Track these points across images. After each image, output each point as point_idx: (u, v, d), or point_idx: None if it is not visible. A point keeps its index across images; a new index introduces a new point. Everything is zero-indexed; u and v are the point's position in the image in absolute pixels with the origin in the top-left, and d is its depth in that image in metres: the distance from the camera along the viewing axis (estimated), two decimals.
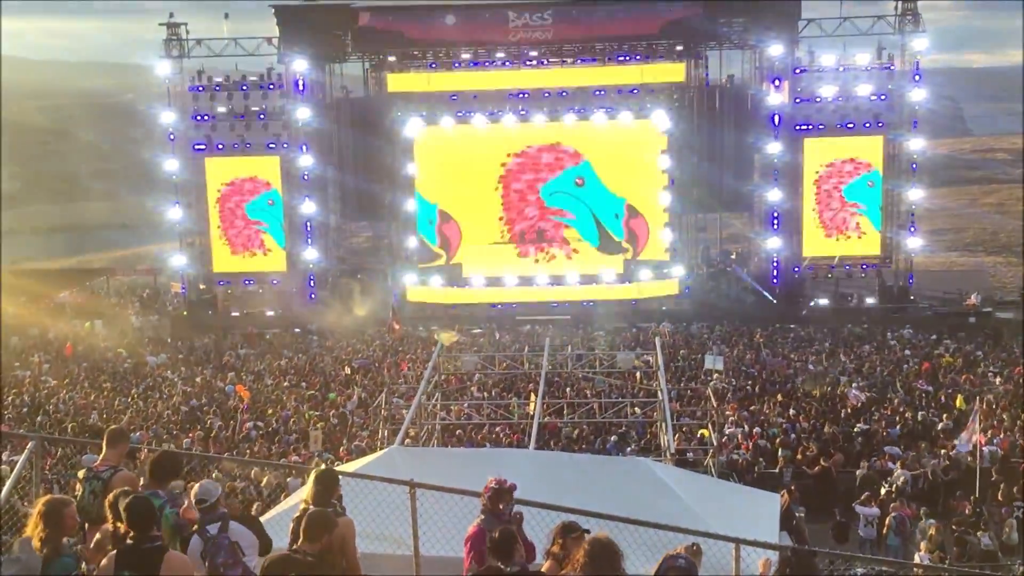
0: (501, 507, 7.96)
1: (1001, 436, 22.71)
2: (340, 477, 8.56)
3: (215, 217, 46.30)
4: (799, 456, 21.72)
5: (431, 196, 46.82)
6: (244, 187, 46.18)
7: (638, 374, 26.03)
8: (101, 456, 8.57)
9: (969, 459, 19.90)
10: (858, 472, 20.53)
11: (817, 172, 44.71)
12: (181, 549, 7.42)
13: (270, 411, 27.65)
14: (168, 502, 7.83)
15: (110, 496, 7.20)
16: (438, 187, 46.85)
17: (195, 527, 7.61)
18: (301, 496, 8.60)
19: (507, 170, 46.25)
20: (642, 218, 46.27)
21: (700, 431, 22.85)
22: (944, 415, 25.11)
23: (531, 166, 46.25)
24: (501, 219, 46.42)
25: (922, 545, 15.83)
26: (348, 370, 33.88)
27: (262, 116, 45.47)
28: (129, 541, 6.73)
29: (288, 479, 18.39)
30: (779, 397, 27.93)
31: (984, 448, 21.39)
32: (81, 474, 8.65)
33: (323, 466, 9.85)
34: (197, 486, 7.84)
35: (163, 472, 8.05)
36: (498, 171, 46.19)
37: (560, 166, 46.23)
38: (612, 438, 22.97)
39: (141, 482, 8.29)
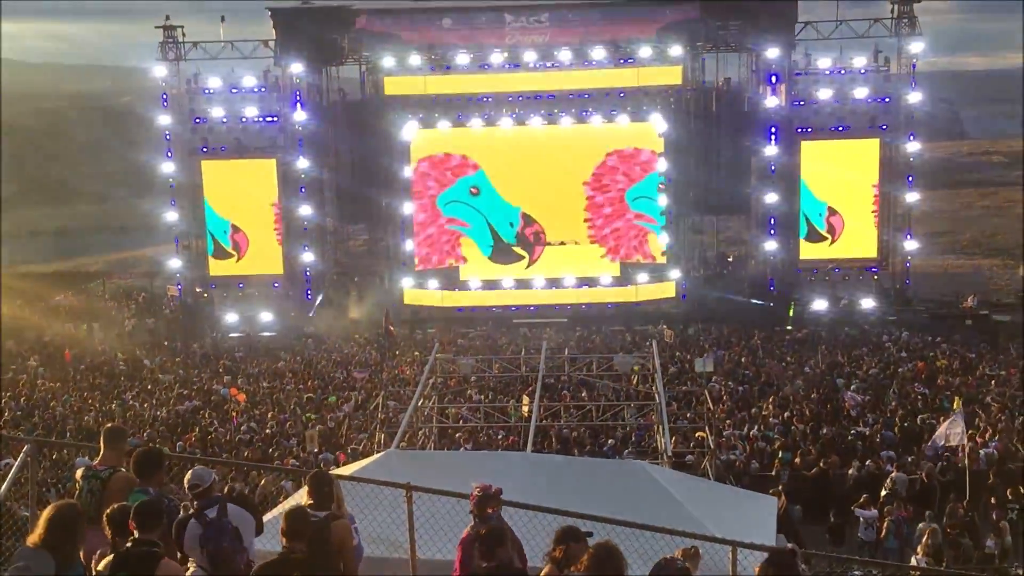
0: (489, 511, 7.94)
1: (997, 439, 22.70)
2: (337, 480, 8.55)
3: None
4: (796, 458, 21.71)
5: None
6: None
7: (635, 377, 26.02)
8: (100, 456, 8.53)
9: (966, 462, 19.87)
10: (850, 473, 20.51)
11: None
12: (176, 535, 7.36)
13: (269, 414, 27.60)
14: (155, 497, 7.80)
15: (108, 510, 7.16)
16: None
17: (190, 511, 7.57)
18: (298, 500, 8.58)
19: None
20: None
21: (697, 434, 22.83)
22: (940, 417, 25.08)
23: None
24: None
25: (920, 548, 15.83)
26: (346, 373, 33.83)
27: (258, 119, 45.45)
28: (128, 543, 6.71)
29: (283, 482, 18.35)
30: (775, 399, 27.91)
31: (981, 451, 21.40)
32: (79, 473, 8.59)
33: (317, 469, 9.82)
34: (189, 472, 7.81)
35: (146, 468, 8.01)
36: None
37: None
38: (610, 441, 22.95)
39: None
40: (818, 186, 44.77)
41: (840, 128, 44.01)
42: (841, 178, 44.57)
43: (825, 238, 45.13)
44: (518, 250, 46.24)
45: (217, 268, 46.72)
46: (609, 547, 6.47)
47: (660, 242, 45.97)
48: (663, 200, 45.48)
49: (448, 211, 46.96)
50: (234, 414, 27.70)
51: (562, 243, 45.87)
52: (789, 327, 41.60)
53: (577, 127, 45.47)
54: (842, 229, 45.00)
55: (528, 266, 45.73)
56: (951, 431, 19.78)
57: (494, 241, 46.50)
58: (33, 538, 6.56)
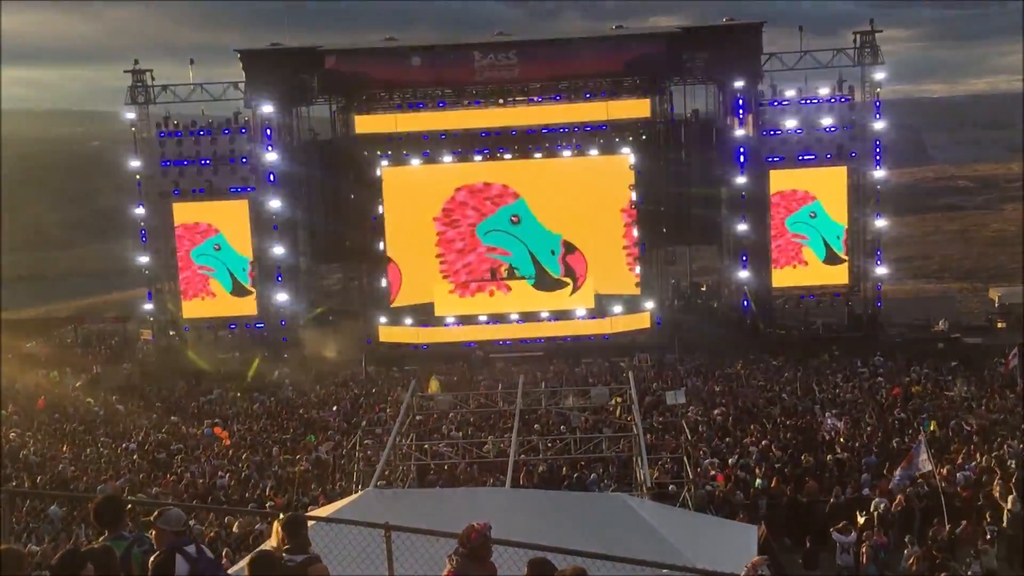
0: (487, 553, 7.86)
1: (974, 462, 22.81)
2: (314, 522, 8.47)
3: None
4: (773, 485, 21.73)
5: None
6: (191, 232, 46.06)
7: (618, 409, 26.02)
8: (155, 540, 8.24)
9: (944, 484, 19.96)
10: (832, 500, 20.54)
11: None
12: (162, 572, 7.24)
13: (244, 455, 27.34)
14: (135, 542, 7.70)
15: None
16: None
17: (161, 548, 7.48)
18: (270, 544, 8.48)
19: (448, 209, 46.54)
20: (579, 253, 46.39)
21: (675, 464, 22.82)
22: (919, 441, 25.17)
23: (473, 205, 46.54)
24: (439, 256, 46.52)
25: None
26: (321, 413, 33.60)
27: (230, 160, 45.46)
28: None
29: (257, 526, 18.17)
30: (753, 427, 27.96)
31: (959, 473, 21.52)
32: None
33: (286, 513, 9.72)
34: (167, 513, 7.73)
35: (108, 517, 7.90)
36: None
37: (498, 204, 46.46)
38: (591, 476, 22.88)
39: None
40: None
41: (807, 156, 44.54)
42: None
43: (844, 260, 45.58)
44: (560, 278, 46.19)
45: (190, 310, 46.49)
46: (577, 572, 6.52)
47: (632, 273, 46.15)
48: (633, 231, 45.69)
49: (489, 240, 46.72)
50: (205, 456, 27.41)
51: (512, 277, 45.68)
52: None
53: (547, 161, 45.72)
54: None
55: (572, 292, 45.65)
56: (918, 459, 19.84)
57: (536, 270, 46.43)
58: None
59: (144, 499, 19.24)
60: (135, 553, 7.61)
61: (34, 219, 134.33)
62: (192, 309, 46.56)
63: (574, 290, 45.91)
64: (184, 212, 45.97)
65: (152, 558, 7.39)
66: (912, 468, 19.95)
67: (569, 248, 46.39)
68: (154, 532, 7.68)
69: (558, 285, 46.03)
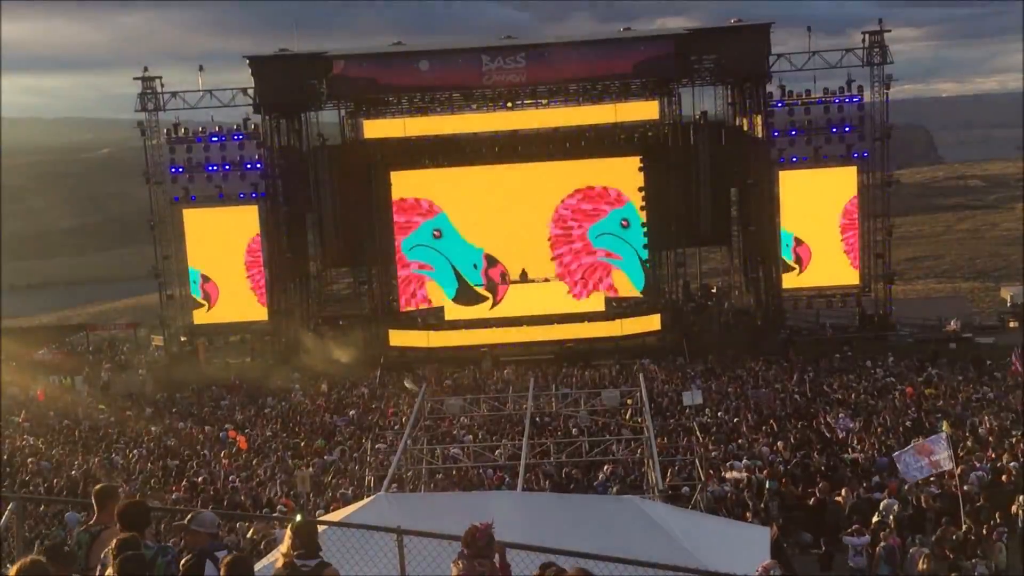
0: (495, 550, 7.88)
1: (987, 462, 22.71)
2: (326, 527, 8.49)
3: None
4: (782, 487, 21.66)
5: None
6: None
7: (628, 412, 25.98)
8: (95, 516, 8.47)
9: (954, 486, 19.86)
10: (839, 499, 20.47)
11: None
12: None
13: (254, 461, 27.40)
14: (159, 552, 7.71)
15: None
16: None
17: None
18: (283, 549, 8.48)
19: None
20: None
21: (687, 466, 22.78)
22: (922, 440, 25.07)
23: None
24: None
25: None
26: (332, 418, 33.65)
27: (239, 166, 45.60)
28: None
29: (275, 531, 18.18)
30: (765, 429, 27.91)
31: (972, 473, 21.42)
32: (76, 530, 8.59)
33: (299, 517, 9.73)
34: (199, 516, 7.78)
35: (134, 522, 7.92)
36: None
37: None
38: (600, 475, 22.86)
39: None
40: (788, 217, 45.11)
41: (817, 157, 44.45)
42: (811, 208, 44.97)
43: (793, 268, 45.44)
44: (481, 291, 46.14)
45: (201, 316, 46.65)
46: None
47: (628, 277, 46.22)
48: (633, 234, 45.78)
49: (413, 255, 47.06)
50: (226, 461, 27.47)
51: (526, 278, 45.65)
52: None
53: (556, 164, 45.82)
54: (809, 259, 45.39)
55: (492, 307, 45.49)
56: (939, 455, 19.68)
57: (458, 283, 46.55)
58: None
59: (159, 505, 19.26)
60: (159, 564, 7.62)
61: (45, 226, 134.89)
62: (203, 315, 46.69)
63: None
64: (194, 218, 46.12)
65: (183, 561, 7.38)
66: (923, 458, 19.76)
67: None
68: (186, 535, 7.70)
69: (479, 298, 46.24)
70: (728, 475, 22.68)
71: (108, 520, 8.40)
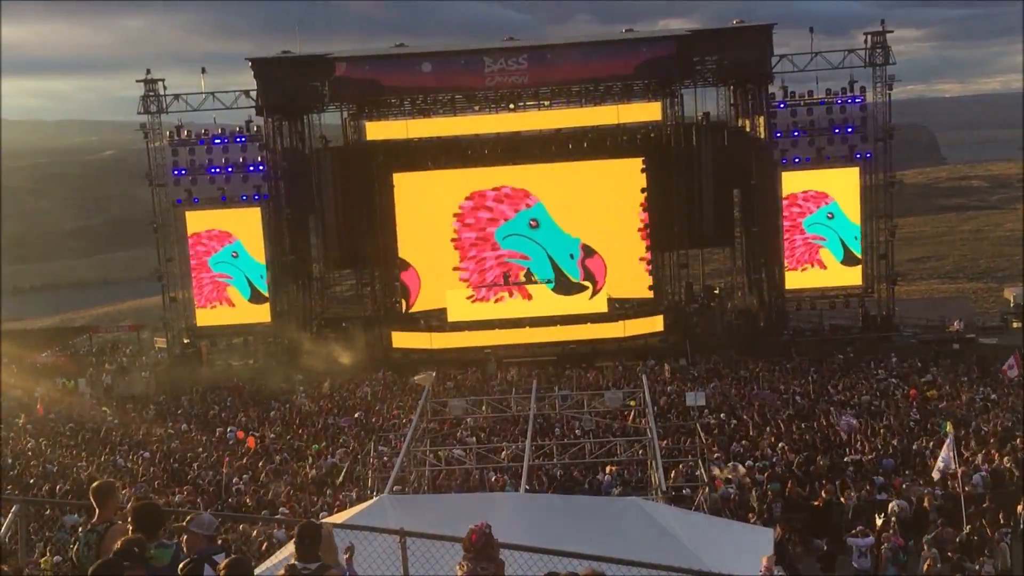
0: (491, 552, 7.87)
1: (990, 464, 22.68)
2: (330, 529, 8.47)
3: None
4: (789, 491, 21.62)
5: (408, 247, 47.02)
6: (209, 239, 46.21)
7: (631, 413, 25.96)
8: (96, 515, 8.48)
9: (957, 486, 19.84)
10: (844, 501, 20.45)
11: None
12: None
13: (259, 464, 27.39)
14: (177, 549, 7.71)
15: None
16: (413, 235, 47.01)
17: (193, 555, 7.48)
18: (287, 551, 8.48)
19: (462, 214, 46.88)
20: (599, 257, 46.49)
21: (690, 467, 22.74)
22: (932, 443, 25.08)
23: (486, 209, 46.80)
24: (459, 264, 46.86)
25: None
26: (335, 420, 33.64)
27: (242, 168, 45.65)
28: None
29: (276, 532, 18.19)
30: (768, 429, 27.88)
31: (974, 475, 21.40)
32: (81, 529, 8.59)
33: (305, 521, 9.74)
34: (198, 518, 7.78)
35: (148, 523, 7.91)
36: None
37: (515, 208, 46.70)
38: (606, 477, 22.82)
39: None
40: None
41: (819, 158, 44.42)
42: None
43: (860, 260, 45.33)
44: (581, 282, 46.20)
45: (204, 318, 46.71)
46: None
47: (647, 276, 46.17)
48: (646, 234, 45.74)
49: (507, 244, 46.99)
50: (226, 460, 27.46)
51: (531, 279, 45.65)
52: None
53: (560, 165, 45.85)
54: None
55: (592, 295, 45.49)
56: (948, 456, 19.72)
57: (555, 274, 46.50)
58: None
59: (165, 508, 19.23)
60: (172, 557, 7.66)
61: (48, 229, 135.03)
62: (206, 317, 46.75)
63: (593, 293, 45.84)
64: (197, 220, 46.20)
65: (181, 565, 7.38)
66: (946, 461, 19.87)
67: (588, 252, 46.54)
68: (185, 537, 7.70)
69: (578, 289, 45.95)
70: (726, 474, 22.66)
71: (111, 516, 8.43)
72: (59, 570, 16.07)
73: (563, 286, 45.89)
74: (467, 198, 46.61)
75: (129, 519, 8.04)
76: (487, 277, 46.46)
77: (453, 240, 46.62)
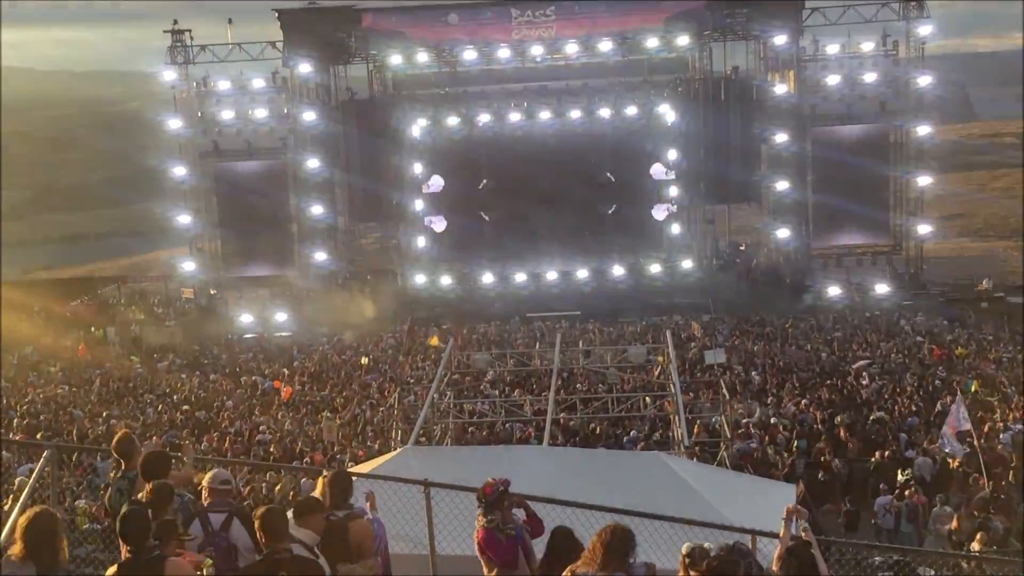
0: (506, 504, 7.98)
1: (1020, 425, 22.53)
2: (355, 478, 8.58)
3: None
4: (822, 449, 21.60)
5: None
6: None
7: (657, 369, 25.97)
8: (126, 464, 8.65)
9: (983, 443, 19.73)
10: (872, 460, 20.43)
11: None
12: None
13: (279, 415, 27.67)
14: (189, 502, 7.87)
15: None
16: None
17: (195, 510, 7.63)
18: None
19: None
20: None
21: (713, 422, 22.78)
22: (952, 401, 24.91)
23: None
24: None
25: (978, 536, 15.47)
26: (361, 368, 33.85)
27: (267, 120, 45.61)
28: (127, 554, 6.59)
29: (303, 481, 18.39)
30: (791, 387, 27.84)
31: (1002, 434, 21.30)
32: (113, 475, 8.82)
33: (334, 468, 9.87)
34: (213, 472, 7.93)
35: (154, 472, 8.03)
36: None
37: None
38: (632, 432, 22.89)
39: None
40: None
41: (850, 113, 43.85)
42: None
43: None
44: None
45: (232, 269, 47.02)
46: (622, 528, 6.60)
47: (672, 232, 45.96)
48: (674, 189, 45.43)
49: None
50: (248, 414, 27.76)
51: None
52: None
53: (586, 118, 45.47)
54: None
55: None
56: (960, 425, 19.47)
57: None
58: (14, 549, 6.39)
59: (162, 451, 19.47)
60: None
61: (77, 179, 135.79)
62: (232, 269, 47.04)
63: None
64: (224, 172, 46.32)
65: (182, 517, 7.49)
66: (953, 435, 19.63)
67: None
68: (209, 495, 7.82)
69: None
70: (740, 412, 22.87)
71: (137, 464, 8.62)
72: (92, 513, 16.35)
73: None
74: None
75: (138, 468, 8.17)
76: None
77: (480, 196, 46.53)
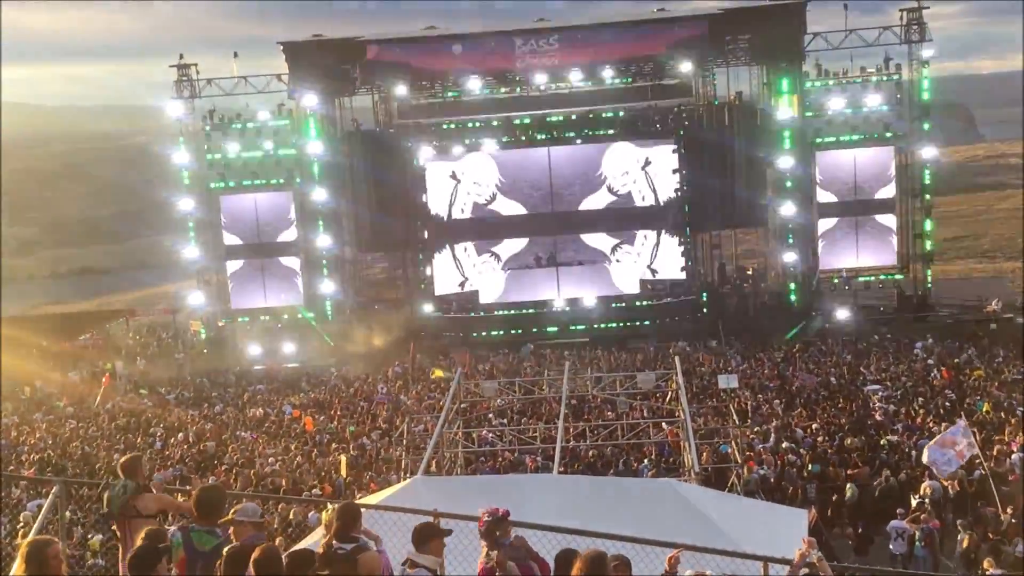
0: (498, 535, 7.93)
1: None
2: (364, 510, 8.53)
3: None
4: (833, 470, 21.49)
5: None
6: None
7: (667, 395, 25.89)
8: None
9: (986, 467, 19.59)
10: (878, 482, 20.30)
11: None
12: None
13: (293, 447, 27.60)
14: (226, 542, 7.75)
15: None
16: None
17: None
18: (318, 535, 8.55)
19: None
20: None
21: (724, 449, 22.68)
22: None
23: None
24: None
25: (986, 562, 15.38)
26: (369, 403, 33.80)
27: (274, 152, 45.84)
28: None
29: (310, 514, 18.33)
30: (801, 411, 27.73)
31: (1013, 456, 21.17)
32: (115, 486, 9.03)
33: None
34: (243, 507, 7.87)
35: (210, 508, 7.94)
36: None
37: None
38: (644, 461, 22.78)
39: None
40: None
41: (854, 137, 43.91)
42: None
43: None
44: None
45: (237, 301, 47.06)
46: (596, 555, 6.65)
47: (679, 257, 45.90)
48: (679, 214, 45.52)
49: None
50: (262, 446, 27.68)
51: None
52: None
53: (591, 146, 45.55)
54: None
55: None
56: (961, 445, 19.30)
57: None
58: (17, 572, 6.48)
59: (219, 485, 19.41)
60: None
61: (84, 214, 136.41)
62: (239, 300, 47.11)
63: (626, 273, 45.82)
64: (231, 204, 46.49)
65: (226, 550, 7.40)
66: (948, 450, 19.42)
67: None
68: (232, 527, 7.74)
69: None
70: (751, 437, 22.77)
71: (139, 479, 8.92)
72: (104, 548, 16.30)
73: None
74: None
75: (193, 503, 8.07)
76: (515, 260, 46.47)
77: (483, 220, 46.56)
